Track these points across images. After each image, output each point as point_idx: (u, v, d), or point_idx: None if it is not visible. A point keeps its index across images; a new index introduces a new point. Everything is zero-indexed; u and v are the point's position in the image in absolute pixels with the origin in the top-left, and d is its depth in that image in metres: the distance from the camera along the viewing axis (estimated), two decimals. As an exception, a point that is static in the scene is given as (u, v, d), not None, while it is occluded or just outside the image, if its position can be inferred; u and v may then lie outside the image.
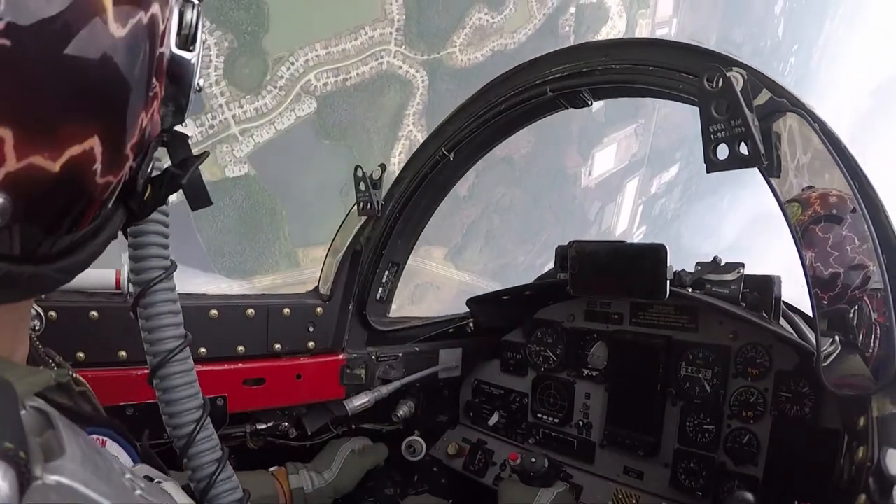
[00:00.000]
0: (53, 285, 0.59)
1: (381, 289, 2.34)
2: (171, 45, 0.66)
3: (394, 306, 2.49)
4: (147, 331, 1.05)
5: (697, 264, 2.04)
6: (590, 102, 1.84)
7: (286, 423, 2.14)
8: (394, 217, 2.23)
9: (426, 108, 22.20)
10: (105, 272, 1.69)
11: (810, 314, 1.61)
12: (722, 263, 1.99)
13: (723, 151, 1.27)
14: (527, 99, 1.87)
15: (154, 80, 0.62)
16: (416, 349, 2.41)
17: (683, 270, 2.04)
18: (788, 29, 48.08)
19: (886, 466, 1.05)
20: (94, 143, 0.54)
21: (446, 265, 26.02)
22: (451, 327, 2.55)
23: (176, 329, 1.07)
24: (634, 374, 2.15)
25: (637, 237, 36.61)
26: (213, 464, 1.13)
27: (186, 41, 0.67)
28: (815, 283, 1.28)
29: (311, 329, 2.10)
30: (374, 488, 2.24)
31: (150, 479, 0.82)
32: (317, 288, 2.24)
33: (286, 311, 2.04)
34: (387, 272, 2.33)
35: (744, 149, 1.25)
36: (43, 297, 1.54)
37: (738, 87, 1.23)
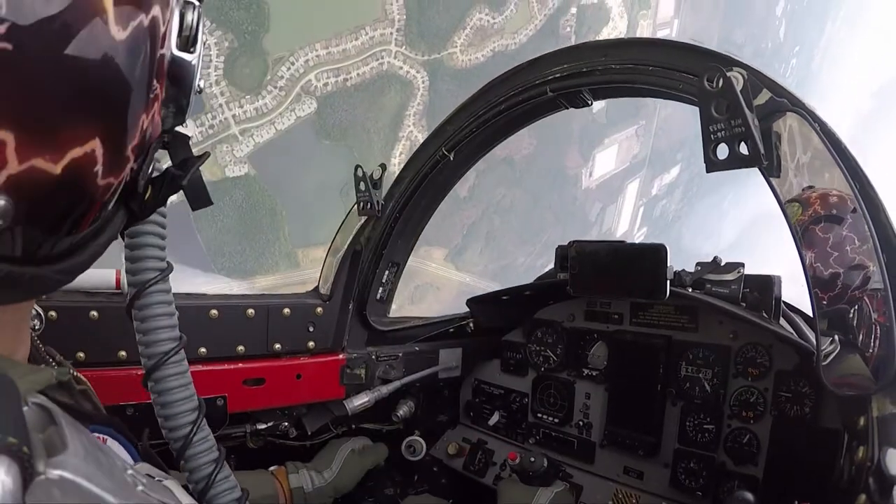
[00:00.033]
0: (54, 286, 0.60)
1: (381, 289, 2.35)
2: (172, 46, 0.66)
3: (393, 307, 2.49)
4: (142, 333, 1.05)
5: (697, 264, 2.04)
6: (590, 102, 1.84)
7: (286, 423, 2.14)
8: (394, 217, 2.23)
9: (427, 108, 22.20)
10: (105, 272, 1.69)
11: (810, 314, 1.62)
12: (722, 263, 1.99)
13: (723, 151, 1.27)
14: (527, 99, 1.87)
15: (155, 81, 0.62)
16: (416, 349, 2.41)
17: (683, 270, 2.04)
18: (790, 30, 48.06)
19: (886, 466, 1.05)
20: (96, 146, 0.54)
21: (446, 266, 26.02)
22: (451, 327, 2.55)
23: (171, 331, 1.07)
24: (634, 373, 2.15)
25: (638, 239, 36.56)
26: (211, 464, 1.13)
27: (187, 43, 0.68)
28: (815, 283, 1.28)
29: (311, 329, 2.10)
30: (374, 488, 2.24)
31: (152, 477, 0.83)
32: (317, 288, 2.24)
33: (286, 310, 2.04)
34: (387, 272, 2.33)
35: (744, 149, 1.25)
36: (43, 296, 1.54)
37: (739, 87, 1.24)
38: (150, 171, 0.71)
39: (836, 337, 1.30)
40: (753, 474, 1.85)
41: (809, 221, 1.28)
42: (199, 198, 0.85)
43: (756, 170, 1.29)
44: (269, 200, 19.54)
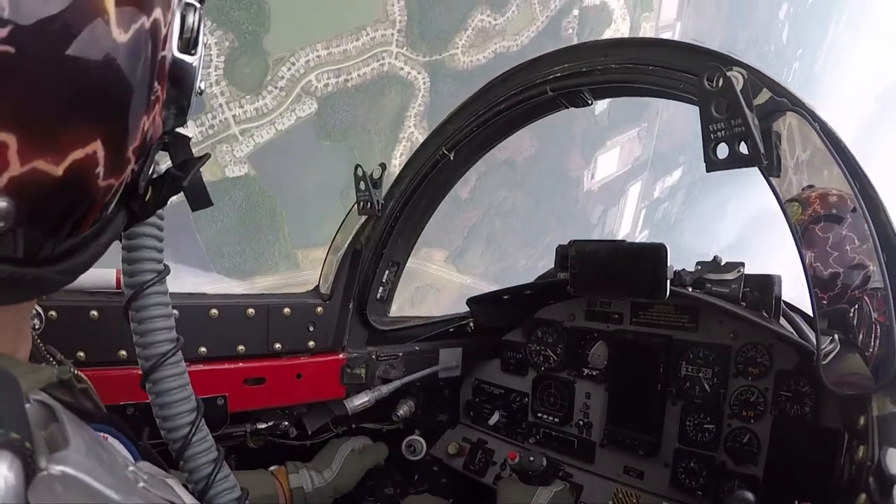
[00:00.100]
0: (56, 286, 0.60)
1: (381, 288, 2.35)
2: (173, 48, 0.66)
3: (393, 308, 2.49)
4: (139, 334, 1.06)
5: (697, 263, 2.04)
6: (590, 102, 1.85)
7: (286, 423, 2.14)
8: (394, 216, 2.23)
9: (427, 109, 22.18)
10: (105, 272, 1.69)
11: (810, 314, 1.61)
12: (722, 263, 1.99)
13: (723, 151, 1.28)
14: (527, 98, 1.87)
15: (156, 83, 0.62)
16: (417, 349, 2.41)
17: (683, 270, 2.04)
18: (793, 33, 48.00)
19: (887, 466, 1.05)
20: (97, 147, 0.55)
21: (447, 268, 25.99)
22: (452, 327, 2.55)
23: (168, 333, 1.07)
24: (635, 373, 2.15)
25: (639, 241, 36.42)
26: (210, 464, 1.14)
27: (188, 45, 0.68)
28: (815, 283, 1.28)
29: (311, 328, 2.10)
30: (375, 487, 2.24)
31: (153, 475, 0.83)
32: (317, 287, 2.24)
33: (286, 310, 2.04)
34: (387, 271, 2.34)
35: (744, 148, 1.25)
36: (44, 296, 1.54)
37: (739, 87, 1.24)
38: (150, 172, 0.71)
39: (837, 336, 1.30)
40: (753, 474, 1.85)
41: (809, 221, 1.28)
42: (200, 199, 0.86)
43: (756, 169, 1.29)
44: (269, 201, 19.53)
